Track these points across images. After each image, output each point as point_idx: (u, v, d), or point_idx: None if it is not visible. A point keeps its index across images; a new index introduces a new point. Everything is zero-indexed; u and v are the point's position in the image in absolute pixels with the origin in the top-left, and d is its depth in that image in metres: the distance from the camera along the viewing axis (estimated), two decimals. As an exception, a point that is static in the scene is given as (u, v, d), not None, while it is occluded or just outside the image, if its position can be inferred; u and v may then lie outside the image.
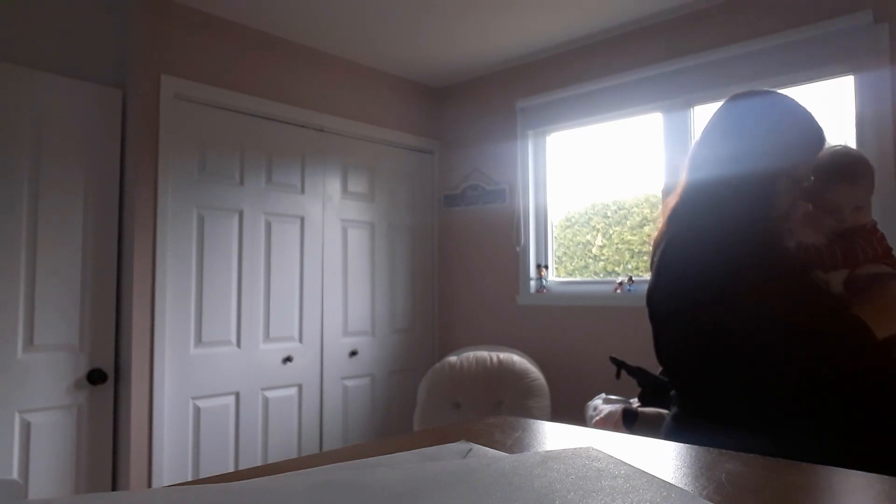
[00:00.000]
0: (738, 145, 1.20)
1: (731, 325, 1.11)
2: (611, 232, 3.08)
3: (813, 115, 1.21)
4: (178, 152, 2.56)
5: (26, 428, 2.17)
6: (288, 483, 0.53)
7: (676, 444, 0.75)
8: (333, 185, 3.15)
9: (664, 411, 1.43)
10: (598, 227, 3.14)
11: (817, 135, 1.19)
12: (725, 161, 1.20)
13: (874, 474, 0.60)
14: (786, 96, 1.24)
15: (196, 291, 2.61)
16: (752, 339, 1.10)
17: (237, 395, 2.72)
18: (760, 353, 1.09)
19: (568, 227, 3.28)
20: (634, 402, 1.60)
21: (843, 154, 1.34)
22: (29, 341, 2.19)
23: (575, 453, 0.60)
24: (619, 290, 2.89)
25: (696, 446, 0.73)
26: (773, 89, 1.29)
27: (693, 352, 1.19)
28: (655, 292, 1.27)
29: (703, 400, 1.19)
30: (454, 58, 3.27)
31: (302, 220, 3.00)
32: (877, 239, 1.28)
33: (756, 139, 1.19)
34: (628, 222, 3.02)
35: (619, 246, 3.04)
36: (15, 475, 2.12)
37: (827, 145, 1.27)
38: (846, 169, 1.31)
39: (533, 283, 3.26)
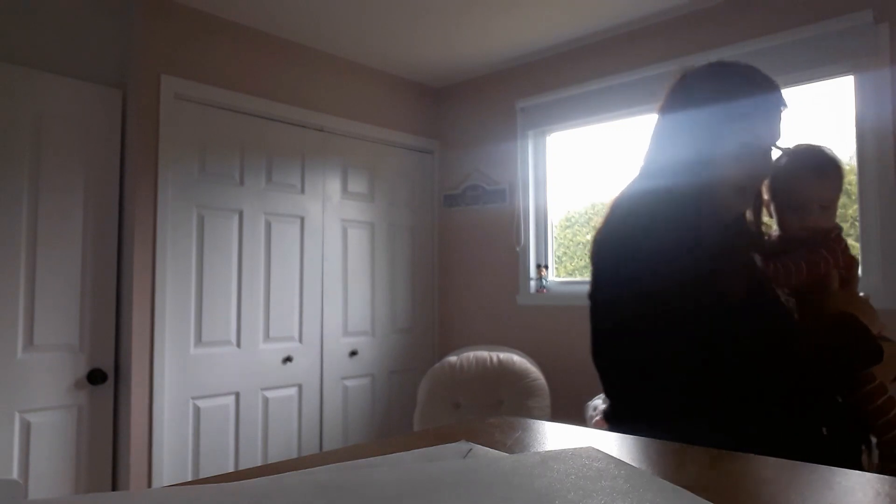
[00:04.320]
0: (686, 137, 1.13)
1: (673, 311, 1.04)
2: (611, 232, 3.08)
3: (763, 72, 1.13)
4: (178, 152, 2.56)
5: (26, 428, 2.17)
6: (288, 483, 0.53)
7: (676, 444, 0.75)
8: (333, 185, 3.15)
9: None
10: (598, 227, 3.13)
11: (773, 92, 1.11)
12: (669, 155, 1.15)
13: (872, 474, 0.60)
14: (729, 62, 1.16)
15: (196, 291, 2.61)
16: (690, 325, 1.04)
17: (237, 395, 2.72)
18: (695, 339, 1.03)
19: (568, 227, 3.27)
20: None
21: (814, 149, 1.28)
22: (29, 341, 2.19)
23: (575, 453, 0.60)
24: (619, 290, 2.88)
25: (696, 446, 0.73)
26: (715, 60, 1.19)
27: (638, 347, 1.09)
28: (596, 291, 1.20)
29: (640, 399, 1.10)
30: (454, 58, 3.27)
31: (302, 220, 3.00)
32: (841, 249, 1.23)
33: (704, 121, 1.11)
34: (628, 222, 3.01)
35: (619, 246, 3.04)
36: (15, 475, 2.12)
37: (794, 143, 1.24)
38: (815, 163, 1.26)
39: (533, 283, 3.26)
